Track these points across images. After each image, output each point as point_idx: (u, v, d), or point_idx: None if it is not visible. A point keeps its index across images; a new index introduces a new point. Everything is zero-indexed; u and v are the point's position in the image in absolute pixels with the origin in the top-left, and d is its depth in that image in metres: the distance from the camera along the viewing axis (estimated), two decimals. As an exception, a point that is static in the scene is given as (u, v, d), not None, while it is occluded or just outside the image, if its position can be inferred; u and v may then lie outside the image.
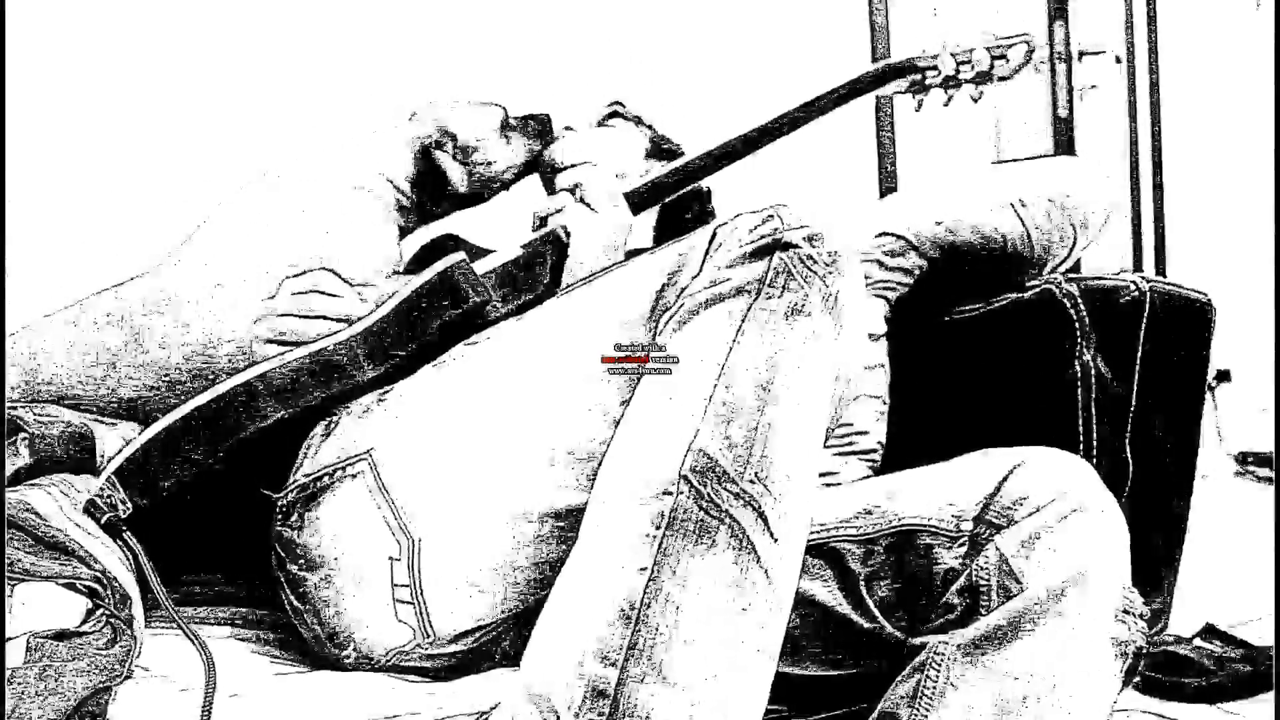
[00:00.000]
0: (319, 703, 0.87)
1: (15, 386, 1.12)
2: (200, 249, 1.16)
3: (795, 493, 0.83)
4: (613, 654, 0.78)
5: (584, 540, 0.84)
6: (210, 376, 1.10)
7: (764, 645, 0.81)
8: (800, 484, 0.84)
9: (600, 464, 0.87)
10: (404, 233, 1.24)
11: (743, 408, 0.83)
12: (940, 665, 0.85)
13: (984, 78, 1.32)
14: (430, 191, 1.24)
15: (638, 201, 1.20)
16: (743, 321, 0.85)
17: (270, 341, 1.05)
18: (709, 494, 0.81)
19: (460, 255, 0.99)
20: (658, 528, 0.80)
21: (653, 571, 0.79)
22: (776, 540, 0.82)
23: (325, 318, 1.05)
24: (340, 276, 1.08)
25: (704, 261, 0.90)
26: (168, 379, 1.11)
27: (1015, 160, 2.57)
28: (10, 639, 0.79)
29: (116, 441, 1.05)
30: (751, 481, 0.82)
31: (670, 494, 0.81)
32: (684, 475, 0.81)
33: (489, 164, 1.24)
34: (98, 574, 0.86)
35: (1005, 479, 0.90)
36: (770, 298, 0.86)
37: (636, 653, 0.78)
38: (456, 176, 1.22)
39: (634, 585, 0.79)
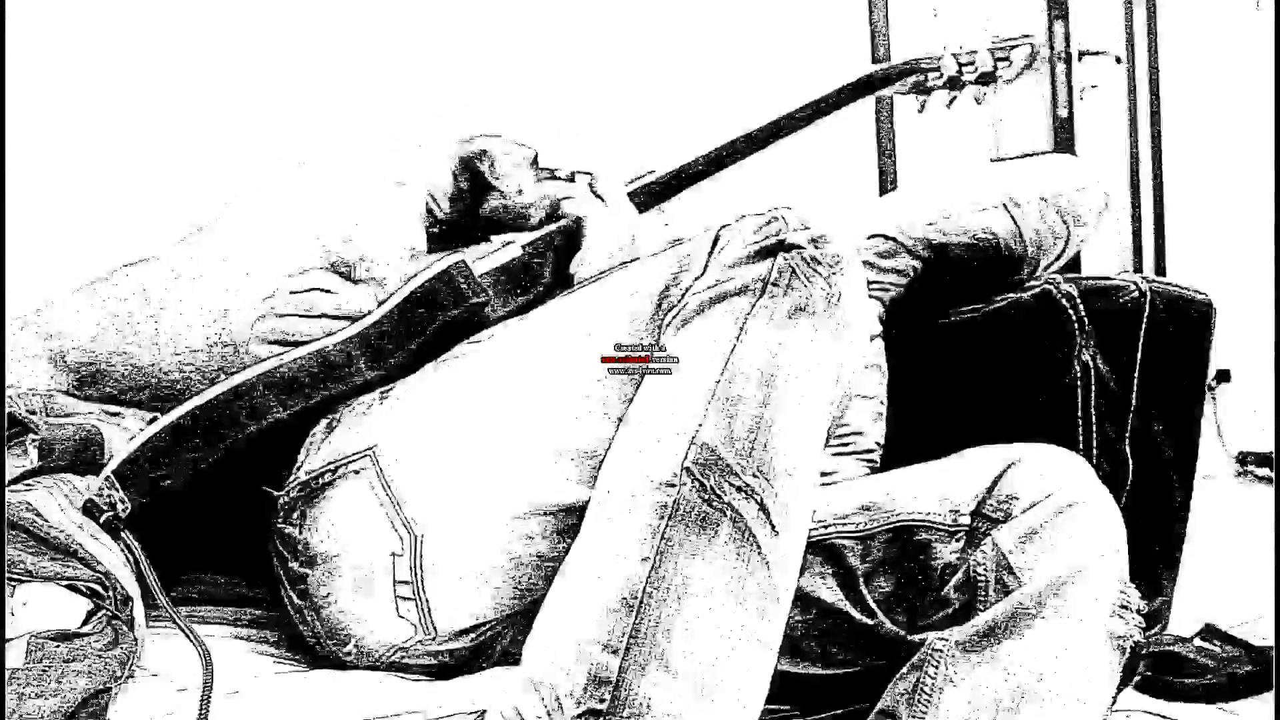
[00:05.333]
0: (319, 701, 0.87)
1: (43, 357, 1.12)
2: (229, 227, 1.16)
3: (797, 487, 0.84)
4: (615, 642, 0.79)
5: (587, 531, 0.85)
6: (226, 345, 1.10)
7: (765, 636, 0.82)
8: (802, 479, 0.85)
9: (603, 460, 0.88)
10: (437, 241, 1.24)
11: (745, 403, 0.84)
12: (939, 662, 0.86)
13: (988, 79, 1.32)
14: (465, 210, 1.24)
15: (643, 200, 1.20)
16: (746, 320, 0.86)
17: (270, 342, 1.05)
18: (711, 486, 0.82)
19: (459, 255, 0.99)
20: (660, 519, 0.81)
21: (655, 561, 0.80)
22: (778, 532, 0.83)
23: (325, 315, 1.05)
24: (340, 272, 1.08)
25: (708, 262, 0.91)
26: (187, 349, 1.11)
27: (1009, 159, 2.57)
28: (11, 639, 0.79)
29: (125, 443, 1.05)
30: (754, 475, 0.83)
31: (673, 486, 0.82)
32: (687, 467, 0.82)
33: (519, 191, 1.24)
34: (100, 575, 0.86)
35: (1002, 474, 0.91)
36: (774, 297, 0.87)
37: (638, 641, 0.79)
38: (497, 186, 1.22)
39: (636, 574, 0.80)
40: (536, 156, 1.26)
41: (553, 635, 0.82)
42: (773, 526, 0.83)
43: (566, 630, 0.81)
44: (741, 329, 0.86)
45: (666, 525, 0.81)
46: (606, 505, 0.85)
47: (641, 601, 0.80)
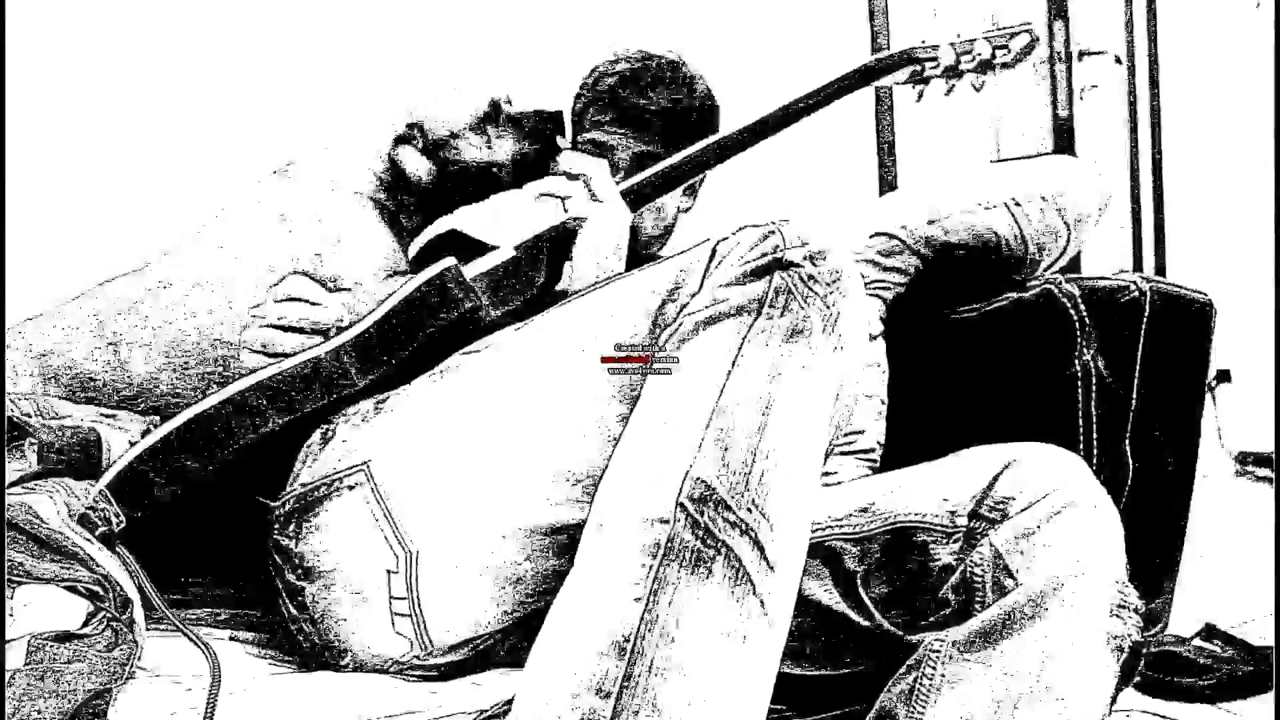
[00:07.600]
0: (319, 702, 0.87)
1: (33, 374, 1.12)
2: (214, 240, 1.16)
3: (793, 519, 0.82)
4: (607, 685, 0.77)
5: (580, 568, 0.83)
6: (215, 360, 1.10)
7: (759, 675, 0.80)
8: (798, 510, 0.83)
9: (598, 481, 0.86)
10: (407, 232, 1.22)
11: (740, 433, 0.82)
12: (936, 662, 0.85)
13: (985, 67, 1.31)
14: (402, 189, 1.20)
15: (635, 197, 1.19)
16: (742, 343, 0.84)
17: (255, 352, 1.04)
18: (705, 523, 0.80)
19: (450, 261, 0.98)
20: (654, 557, 0.79)
21: (648, 602, 0.78)
22: (773, 569, 0.81)
23: (301, 329, 1.03)
24: (319, 280, 1.07)
25: (704, 278, 0.89)
26: (178, 359, 1.11)
27: (1010, 159, 2.57)
28: (11, 641, 0.79)
29: (124, 446, 1.05)
30: (749, 510, 0.81)
31: (666, 522, 0.80)
32: (681, 503, 0.80)
33: (458, 162, 1.17)
34: (99, 577, 0.86)
35: (999, 475, 0.90)
36: (770, 318, 0.85)
37: (631, 684, 0.76)
38: (415, 169, 1.17)
39: (629, 616, 0.78)
40: (492, 110, 1.17)
41: (545, 677, 0.79)
42: (768, 563, 0.80)
43: (559, 672, 0.79)
44: (737, 353, 0.84)
45: (660, 565, 0.79)
46: (599, 540, 0.82)
47: (634, 644, 0.77)
